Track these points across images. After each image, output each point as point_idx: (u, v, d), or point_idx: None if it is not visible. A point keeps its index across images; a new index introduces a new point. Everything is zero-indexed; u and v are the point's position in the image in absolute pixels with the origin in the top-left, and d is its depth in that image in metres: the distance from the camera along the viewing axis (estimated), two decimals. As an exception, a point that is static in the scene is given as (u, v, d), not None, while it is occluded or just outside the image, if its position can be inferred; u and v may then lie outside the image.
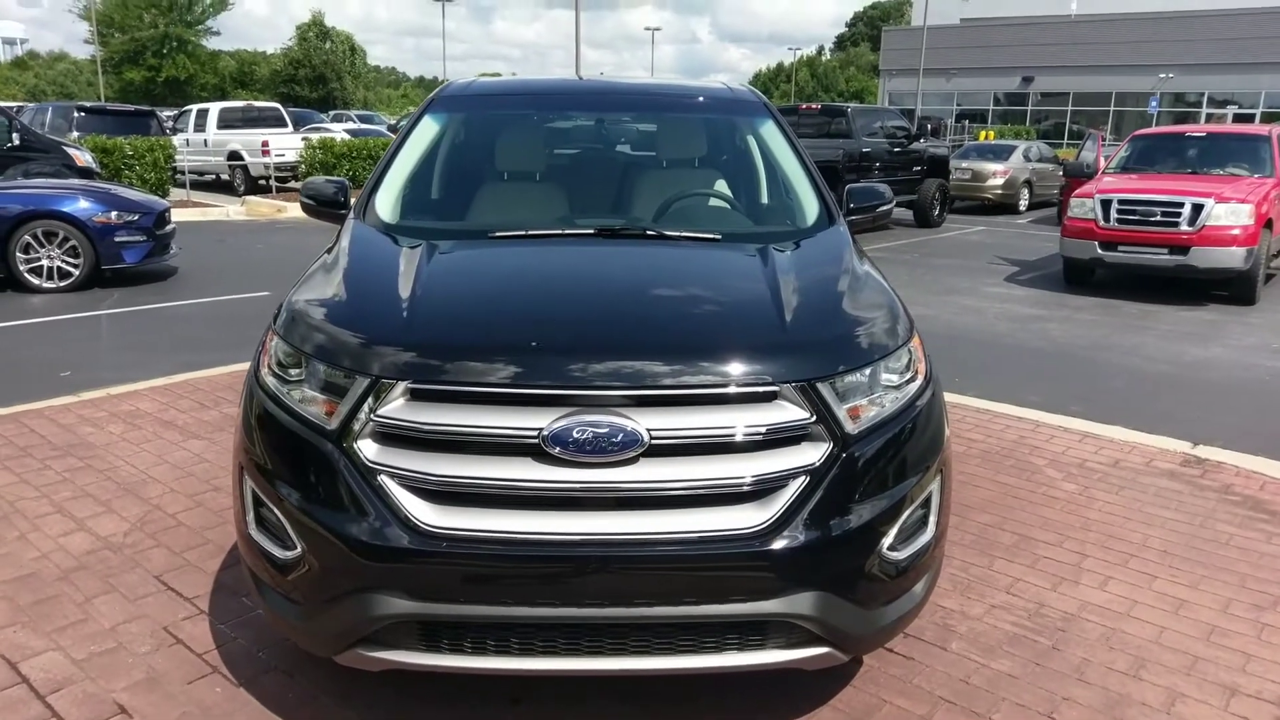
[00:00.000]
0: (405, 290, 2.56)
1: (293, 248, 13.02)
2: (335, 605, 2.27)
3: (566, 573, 2.16)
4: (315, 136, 19.98)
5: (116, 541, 3.65)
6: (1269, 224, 10.28)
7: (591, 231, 3.14)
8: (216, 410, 5.26)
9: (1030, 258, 13.42)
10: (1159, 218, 10.22)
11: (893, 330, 2.58)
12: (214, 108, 21.39)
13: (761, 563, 2.19)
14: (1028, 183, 20.37)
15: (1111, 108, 41.54)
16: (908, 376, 2.53)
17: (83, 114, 18.21)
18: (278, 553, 2.39)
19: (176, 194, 17.27)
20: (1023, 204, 20.25)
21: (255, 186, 19.61)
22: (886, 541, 2.35)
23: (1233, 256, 9.93)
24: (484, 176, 3.71)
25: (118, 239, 9.27)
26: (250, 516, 2.50)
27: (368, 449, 2.25)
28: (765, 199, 3.72)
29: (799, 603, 2.22)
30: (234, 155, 20.03)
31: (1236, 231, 9.96)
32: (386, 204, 3.39)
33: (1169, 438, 5.22)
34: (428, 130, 3.74)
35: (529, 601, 2.18)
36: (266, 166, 19.25)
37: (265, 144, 19.25)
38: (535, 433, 2.17)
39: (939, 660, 2.96)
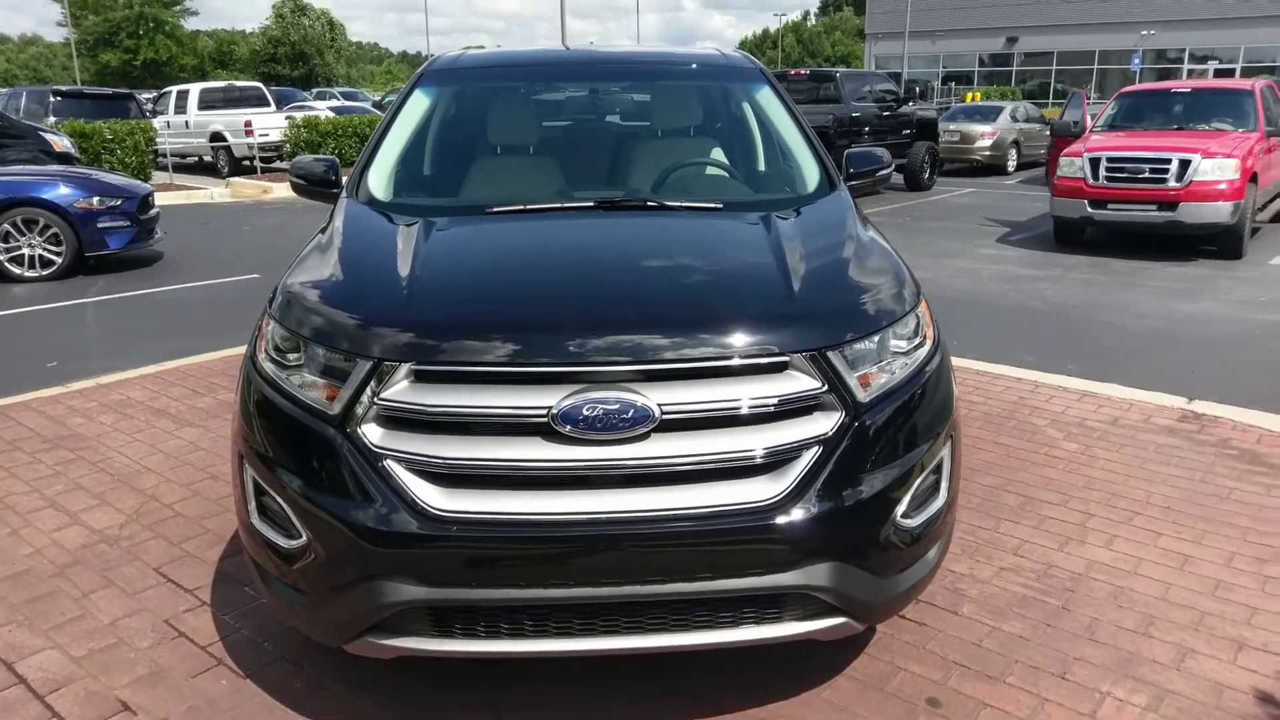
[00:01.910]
0: (404, 269, 2.50)
1: (280, 229, 12.89)
2: (343, 593, 2.23)
3: (580, 552, 2.12)
4: (299, 115, 19.68)
5: (113, 534, 3.60)
6: (1254, 178, 10.25)
7: (591, 204, 3.07)
8: (210, 397, 5.19)
9: (1020, 218, 13.39)
10: (1147, 174, 10.18)
11: (900, 295, 2.54)
12: (194, 89, 21.05)
13: (776, 535, 2.15)
14: (1015, 143, 20.29)
15: (1095, 66, 41.28)
16: (916, 342, 2.49)
17: (59, 98, 17.85)
18: (282, 542, 2.34)
19: (159, 177, 17.03)
20: (1011, 165, 20.18)
21: (239, 167, 19.36)
22: (900, 509, 2.32)
23: (1219, 211, 9.91)
24: (477, 151, 3.63)
25: (100, 225, 9.12)
26: (252, 506, 2.45)
27: (372, 433, 2.20)
28: (764, 166, 3.66)
29: (815, 574, 2.20)
30: (216, 136, 19.75)
31: (1223, 186, 9.93)
32: (379, 181, 3.31)
33: (1165, 394, 5.22)
34: (418, 105, 3.65)
35: (542, 583, 2.15)
36: (250, 147, 18.98)
37: (248, 124, 18.97)
38: (544, 411, 2.13)
39: (951, 625, 2.95)
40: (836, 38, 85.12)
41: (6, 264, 8.86)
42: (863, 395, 2.28)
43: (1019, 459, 4.29)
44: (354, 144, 19.65)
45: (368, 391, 2.21)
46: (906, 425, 2.36)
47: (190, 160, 21.24)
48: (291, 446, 2.32)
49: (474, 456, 2.15)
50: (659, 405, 2.13)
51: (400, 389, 2.19)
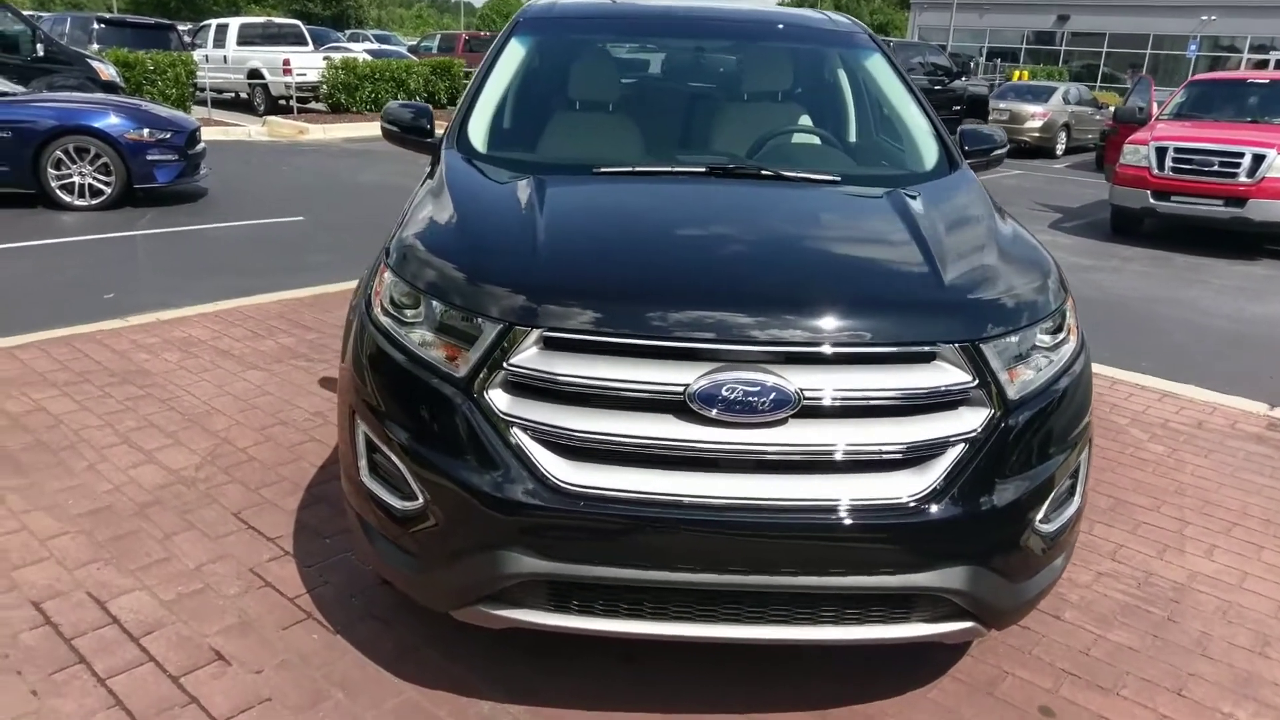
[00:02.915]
0: (530, 230, 2.37)
1: (320, 171, 12.77)
2: (460, 561, 2.15)
3: (709, 537, 2.03)
4: (337, 56, 19.46)
5: (189, 475, 3.54)
6: (1330, 178, 9.95)
7: (702, 170, 2.93)
8: (271, 340, 5.12)
9: (1072, 204, 13.09)
10: (1216, 167, 9.88)
11: (1051, 288, 2.41)
12: (234, 23, 20.80)
13: (916, 534, 2.06)
14: (1066, 126, 19.82)
15: (1148, 50, 40.25)
16: (1060, 338, 2.37)
17: (102, 26, 17.65)
18: (396, 503, 2.26)
19: (197, 111, 16.86)
20: (1060, 148, 19.73)
21: (275, 106, 19.18)
22: (1039, 514, 2.22)
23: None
24: (578, 106, 3.50)
25: (150, 157, 9.03)
26: (363, 463, 2.37)
27: (499, 400, 2.11)
28: (879, 138, 3.51)
29: (951, 576, 2.10)
30: (254, 73, 19.55)
31: (1296, 183, 9.65)
32: (480, 134, 3.18)
33: (1246, 399, 5.07)
34: (514, 55, 3.50)
35: (668, 565, 2.06)
36: (287, 86, 18.78)
37: (287, 62, 18.78)
38: (680, 389, 2.03)
39: (1055, 630, 2.86)
40: (876, 5, 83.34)
41: (58, 190, 8.79)
42: (1012, 392, 2.17)
43: (1105, 459, 4.16)
44: (390, 89, 19.49)
45: (496, 356, 2.11)
46: (1051, 426, 2.25)
47: (227, 96, 21.07)
48: (412, 406, 2.23)
49: (604, 431, 2.05)
50: (800, 390, 2.02)
51: (530, 355, 2.09)
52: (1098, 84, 36.70)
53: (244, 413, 4.13)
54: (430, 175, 2.97)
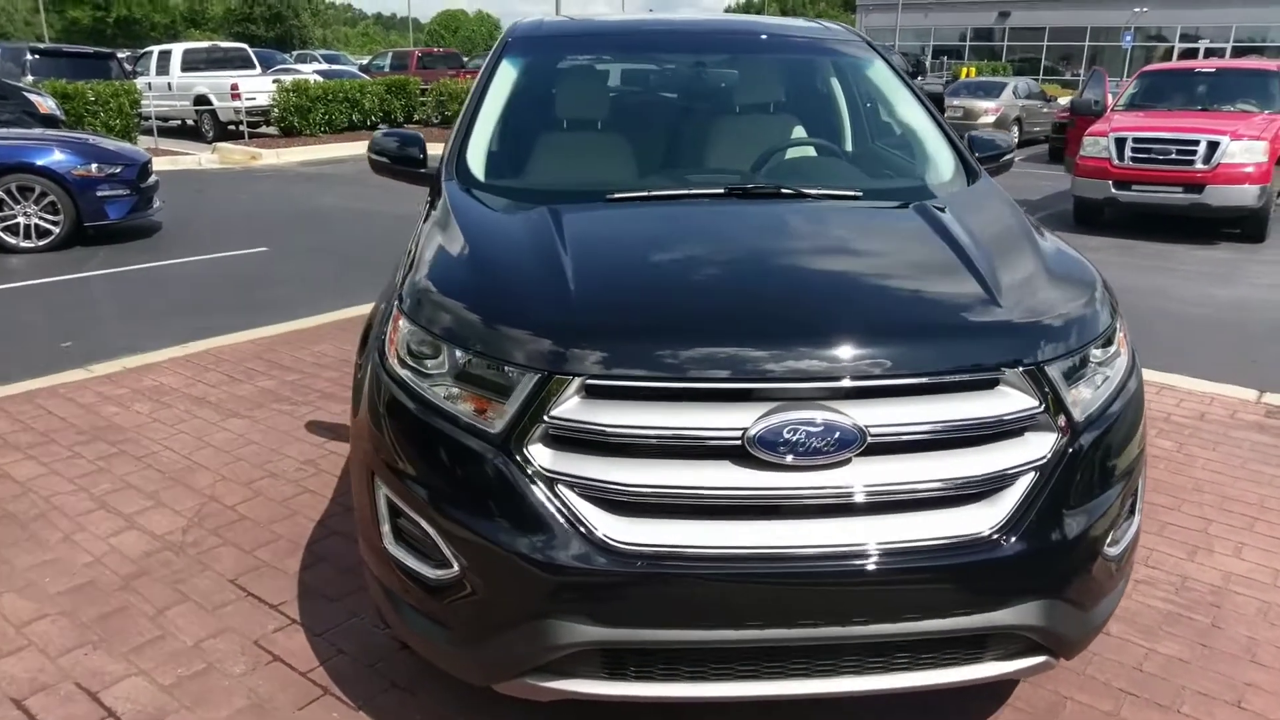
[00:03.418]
0: (558, 269, 2.21)
1: (279, 197, 12.46)
2: (503, 632, 1.99)
3: (777, 590, 1.90)
4: (288, 79, 19.08)
5: (176, 540, 3.32)
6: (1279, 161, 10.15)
7: (719, 191, 2.80)
8: (250, 384, 4.88)
9: (1033, 197, 13.19)
10: (1174, 156, 10.03)
11: (1105, 303, 2.32)
12: (177, 49, 20.32)
13: (991, 570, 1.94)
14: (1018, 120, 20.11)
15: (1086, 43, 41.19)
16: (1113, 352, 2.28)
17: (37, 56, 17.07)
18: (427, 572, 2.09)
19: (144, 141, 16.34)
20: (1012, 142, 19.99)
21: (225, 132, 18.75)
22: (1109, 538, 2.12)
23: (1246, 195, 9.80)
24: (579, 129, 3.35)
25: (100, 193, 8.69)
26: (386, 528, 2.19)
27: (541, 455, 1.95)
28: (891, 148, 3.40)
29: (1027, 612, 1.99)
30: (201, 100, 19.10)
31: (1250, 169, 9.81)
32: (480, 161, 3.02)
33: (1237, 386, 5.08)
34: (507, 77, 3.34)
35: (735, 623, 1.92)
36: (237, 111, 18.37)
37: (235, 87, 18.35)
38: (738, 433, 1.89)
39: (1105, 646, 2.76)
40: (822, 8, 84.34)
41: (2, 233, 8.41)
42: (1077, 414, 2.07)
43: (1118, 459, 4.10)
44: (344, 109, 19.17)
45: (535, 408, 1.95)
46: (1114, 444, 2.15)
47: (173, 124, 20.58)
48: (442, 466, 2.07)
49: (658, 483, 1.90)
50: (865, 426, 1.90)
51: (572, 406, 1.94)
52: (1040, 77, 37.41)
53: (229, 466, 3.91)
54: (432, 208, 2.81)
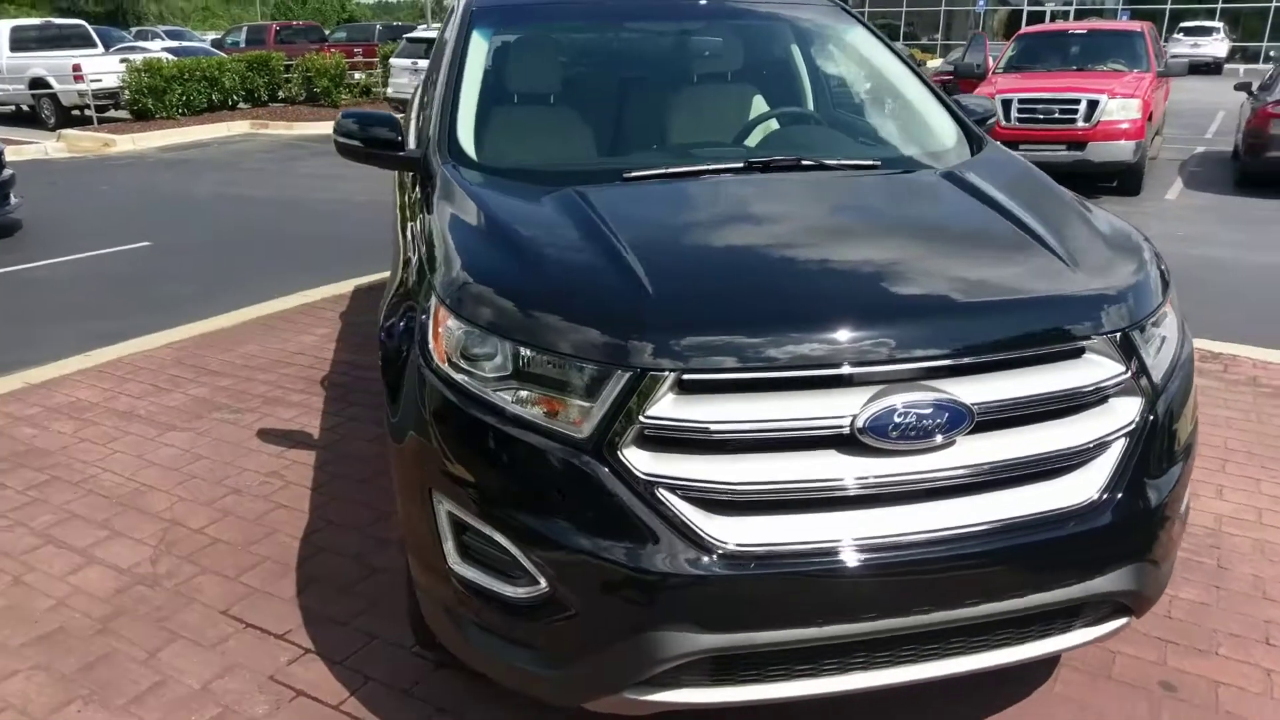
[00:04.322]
0: (617, 256, 2.05)
1: (146, 187, 11.54)
2: (605, 649, 1.84)
3: (891, 579, 1.83)
4: (136, 57, 17.65)
5: (147, 573, 2.99)
6: (1149, 116, 10.79)
7: (739, 165, 2.68)
8: (179, 393, 4.47)
9: (920, 159, 13.62)
10: (1057, 115, 10.50)
11: (1160, 265, 2.34)
12: (3, 27, 18.45)
13: (1094, 539, 1.93)
14: (890, 83, 20.66)
15: (942, 8, 42.78)
16: (1167, 314, 2.30)
17: None
18: (506, 590, 1.92)
19: (-24, 131, 14.93)
20: (886, 105, 20.56)
21: (69, 118, 17.22)
22: (1184, 496, 2.15)
23: (1124, 150, 10.36)
24: (572, 103, 3.15)
25: (-49, 191, 7.81)
26: (450, 545, 2.00)
27: (637, 458, 1.81)
28: (891, 115, 3.34)
29: (1123, 577, 1.99)
30: (38, 83, 17.42)
31: (1126, 125, 10.37)
32: (475, 142, 2.78)
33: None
34: (481, 50, 3.10)
35: (850, 616, 1.84)
36: (81, 94, 16.88)
37: (77, 68, 16.83)
38: (847, 420, 1.80)
39: (1132, 598, 2.84)
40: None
41: None
42: (1157, 377, 2.07)
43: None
44: (202, 89, 17.99)
45: (627, 408, 1.80)
46: (1184, 405, 2.18)
47: (6, 109, 18.79)
48: (524, 476, 1.89)
49: (763, 479, 1.80)
50: (974, 404, 1.84)
51: (668, 403, 1.80)
52: (901, 42, 38.67)
53: (183, 485, 3.56)
54: (428, 193, 2.58)
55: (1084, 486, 1.94)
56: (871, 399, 1.81)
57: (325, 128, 17.57)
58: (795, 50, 3.55)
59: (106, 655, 2.60)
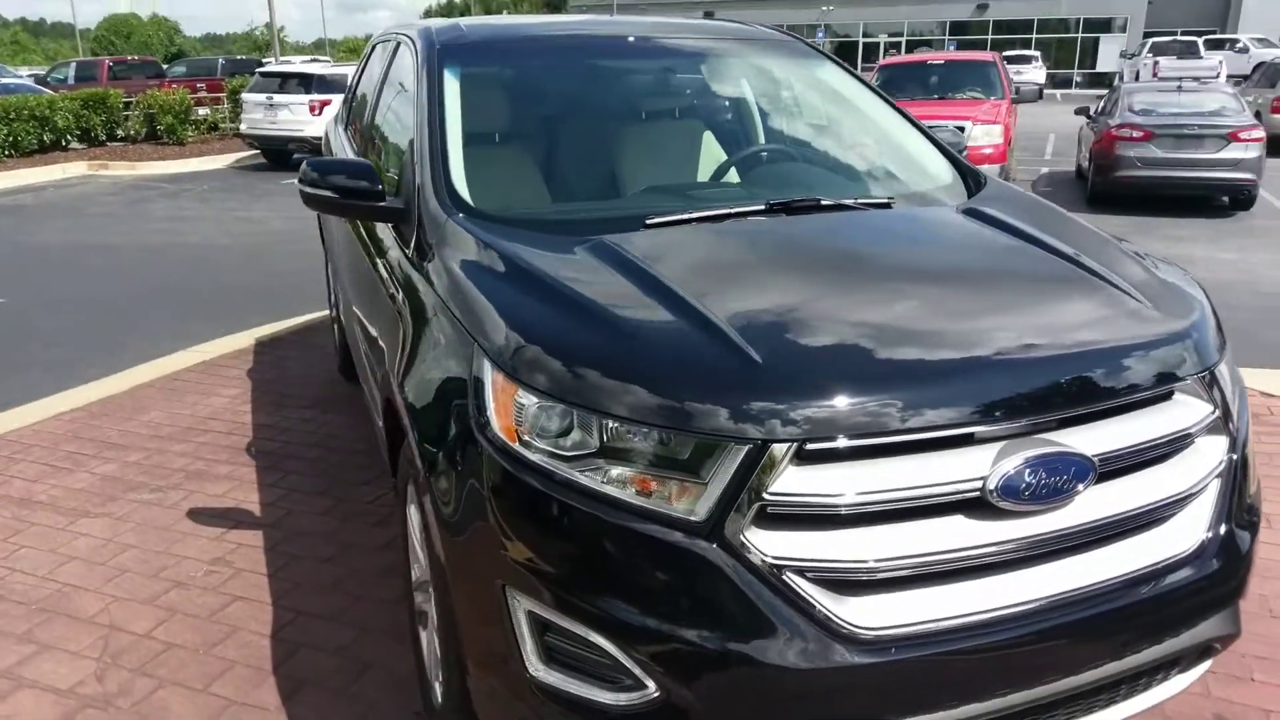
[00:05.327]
0: (698, 317, 1.86)
1: (-19, 237, 10.40)
2: (732, 753, 1.65)
3: (1031, 648, 1.72)
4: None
5: (94, 693, 2.55)
6: (1009, 140, 11.48)
7: (763, 207, 2.54)
8: (83, 472, 3.93)
9: (796, 186, 14.01)
10: (927, 142, 11.03)
11: (1209, 300, 2.35)
12: None
13: (1205, 583, 1.89)
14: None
15: (784, 40, 44.82)
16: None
17: None
18: (604, 697, 1.69)
19: None
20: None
21: None
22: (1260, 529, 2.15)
23: (990, 174, 10.96)
24: (566, 144, 2.94)
25: None
26: (530, 647, 1.75)
27: (760, 540, 1.63)
28: (884, 153, 3.27)
29: (1223, 619, 1.97)
30: None
31: (990, 150, 10.96)
32: (474, 190, 2.52)
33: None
34: (456, 91, 2.85)
35: (985, 694, 1.72)
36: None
37: (-118, 108, 15.13)
38: (978, 483, 1.68)
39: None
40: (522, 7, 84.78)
41: None
42: (1235, 416, 2.07)
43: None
44: (31, 128, 16.53)
45: (751, 484, 1.62)
46: (1247, 435, 2.18)
47: None
48: (627, 567, 1.67)
49: (898, 554, 1.66)
50: (1096, 455, 1.77)
51: (791, 478, 1.64)
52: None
53: (113, 582, 3.09)
54: (438, 248, 2.31)
55: (1190, 532, 1.91)
56: (998, 459, 1.70)
57: (173, 167, 16.49)
58: (783, 88, 3.48)
59: (67, 806, 2.18)
